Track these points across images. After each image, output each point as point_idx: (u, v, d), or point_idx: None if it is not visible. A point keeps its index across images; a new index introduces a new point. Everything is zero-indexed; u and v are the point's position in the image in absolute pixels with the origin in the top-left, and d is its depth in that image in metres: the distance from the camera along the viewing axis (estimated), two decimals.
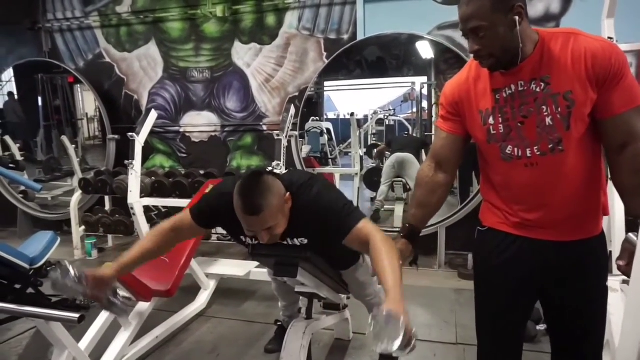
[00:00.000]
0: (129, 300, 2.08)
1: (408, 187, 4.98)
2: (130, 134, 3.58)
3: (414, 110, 8.81)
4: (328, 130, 8.33)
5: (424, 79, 8.23)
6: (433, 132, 6.01)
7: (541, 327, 2.85)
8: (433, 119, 6.25)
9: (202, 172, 4.57)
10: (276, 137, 3.71)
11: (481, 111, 1.45)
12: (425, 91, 8.31)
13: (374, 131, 5.96)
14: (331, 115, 8.92)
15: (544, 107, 1.36)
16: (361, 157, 5.58)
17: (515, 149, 1.41)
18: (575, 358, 1.56)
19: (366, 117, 7.77)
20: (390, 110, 9.31)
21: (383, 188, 5.01)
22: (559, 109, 1.34)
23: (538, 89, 1.36)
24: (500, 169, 1.47)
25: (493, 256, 1.54)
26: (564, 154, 1.37)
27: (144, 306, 2.75)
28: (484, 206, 1.62)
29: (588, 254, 1.47)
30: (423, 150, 5.36)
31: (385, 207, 5.02)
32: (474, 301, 1.67)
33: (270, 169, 3.38)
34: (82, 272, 1.63)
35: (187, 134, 5.17)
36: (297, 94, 4.75)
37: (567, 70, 1.33)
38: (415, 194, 1.66)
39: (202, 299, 3.40)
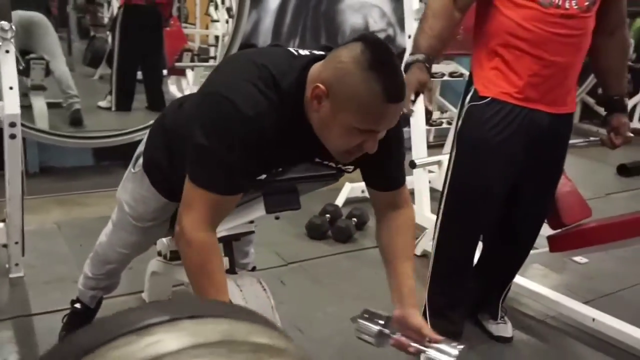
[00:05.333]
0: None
1: (50, 69, 3.29)
2: None
3: None
4: None
5: None
6: None
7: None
8: None
9: None
10: None
11: None
12: None
13: None
14: None
15: None
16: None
17: None
18: (536, 208, 1.76)
19: None
20: None
21: None
22: None
23: None
24: (533, 19, 1.45)
25: (492, 133, 1.53)
26: (590, 18, 1.45)
27: None
28: (489, 72, 1.55)
29: (567, 126, 1.65)
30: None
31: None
32: (450, 179, 1.67)
33: None
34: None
35: None
36: None
37: None
38: (432, 25, 1.53)
39: None
